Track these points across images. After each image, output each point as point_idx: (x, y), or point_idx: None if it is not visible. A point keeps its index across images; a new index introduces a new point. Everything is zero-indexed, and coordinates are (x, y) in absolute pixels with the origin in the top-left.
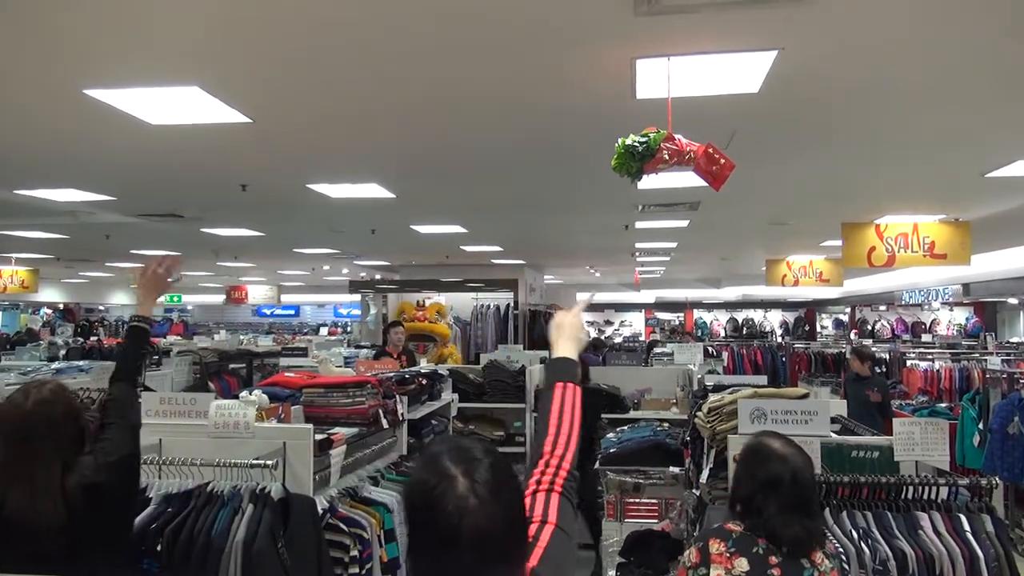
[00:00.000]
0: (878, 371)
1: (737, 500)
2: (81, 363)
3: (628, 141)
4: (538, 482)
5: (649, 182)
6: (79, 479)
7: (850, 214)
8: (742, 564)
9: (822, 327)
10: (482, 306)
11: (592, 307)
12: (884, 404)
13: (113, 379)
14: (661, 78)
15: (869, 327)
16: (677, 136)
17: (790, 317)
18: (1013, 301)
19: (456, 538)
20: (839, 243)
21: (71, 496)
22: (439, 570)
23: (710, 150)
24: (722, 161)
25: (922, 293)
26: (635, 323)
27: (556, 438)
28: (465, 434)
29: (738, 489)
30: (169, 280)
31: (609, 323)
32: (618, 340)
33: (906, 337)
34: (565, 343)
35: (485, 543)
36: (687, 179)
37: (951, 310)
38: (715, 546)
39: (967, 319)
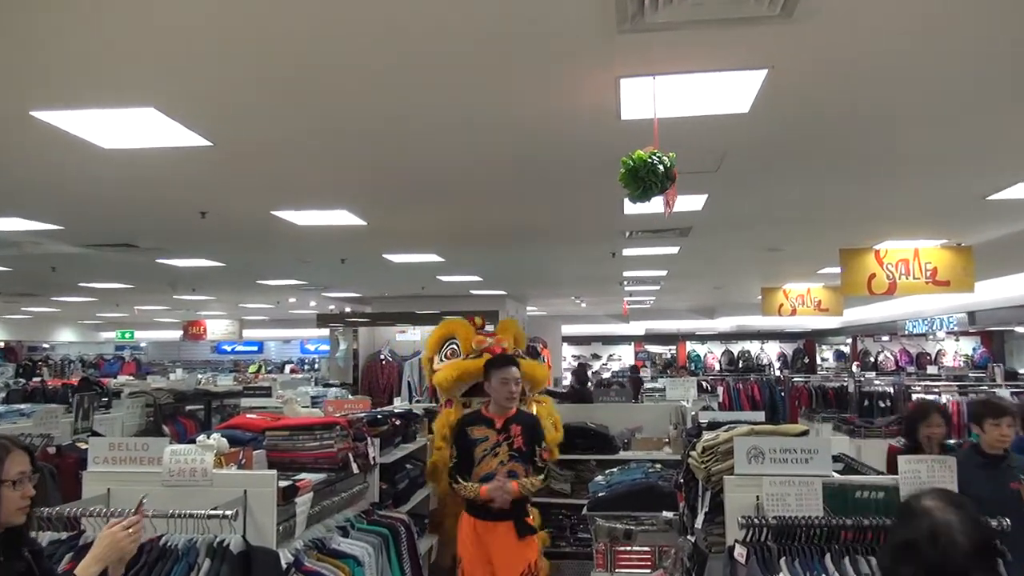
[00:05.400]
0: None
1: None
2: (23, 406)
3: (646, 157)
4: None
5: (637, 207)
6: None
7: (848, 239)
8: None
9: (822, 359)
10: None
11: (578, 340)
12: None
13: None
14: (647, 98)
15: (872, 359)
16: None
17: (788, 349)
18: (1021, 330)
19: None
20: (838, 270)
21: None
22: None
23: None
24: (673, 188)
25: (926, 322)
26: (625, 356)
27: None
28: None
29: None
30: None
31: (596, 357)
32: (606, 375)
33: (911, 369)
34: None
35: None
36: (678, 203)
37: (957, 340)
38: None
39: (974, 349)
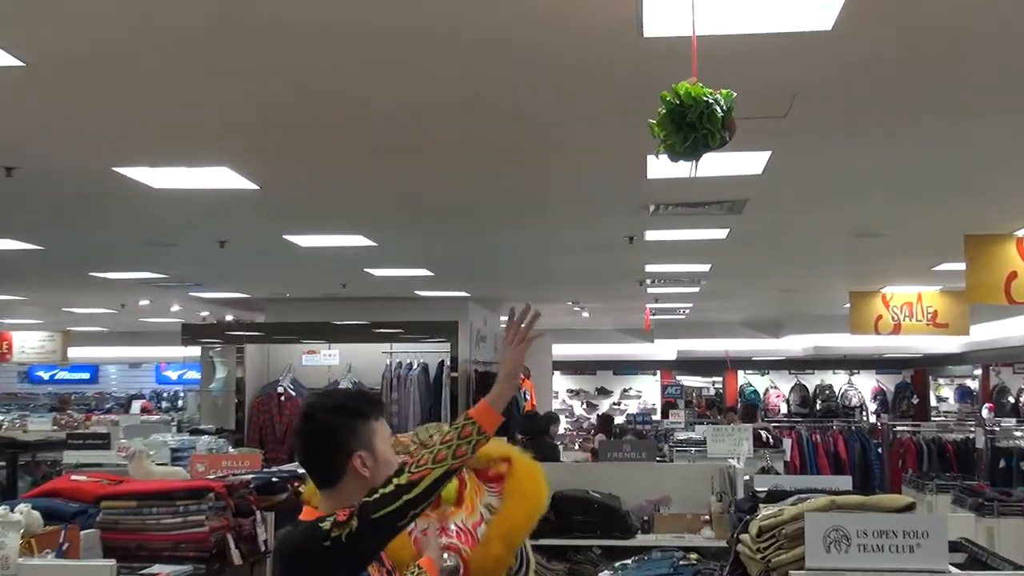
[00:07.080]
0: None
1: None
2: None
3: (699, 94)
4: None
5: (669, 168)
6: None
7: (977, 221)
8: None
9: (939, 399)
10: (400, 365)
11: (577, 367)
12: None
13: None
14: (681, 6)
15: (1011, 399)
16: None
17: (889, 383)
18: None
19: None
20: (962, 267)
21: None
22: None
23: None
24: None
25: None
26: (647, 391)
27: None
28: None
29: None
30: None
31: (604, 392)
32: (619, 419)
33: None
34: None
35: None
36: (725, 163)
37: None
38: None
39: None
